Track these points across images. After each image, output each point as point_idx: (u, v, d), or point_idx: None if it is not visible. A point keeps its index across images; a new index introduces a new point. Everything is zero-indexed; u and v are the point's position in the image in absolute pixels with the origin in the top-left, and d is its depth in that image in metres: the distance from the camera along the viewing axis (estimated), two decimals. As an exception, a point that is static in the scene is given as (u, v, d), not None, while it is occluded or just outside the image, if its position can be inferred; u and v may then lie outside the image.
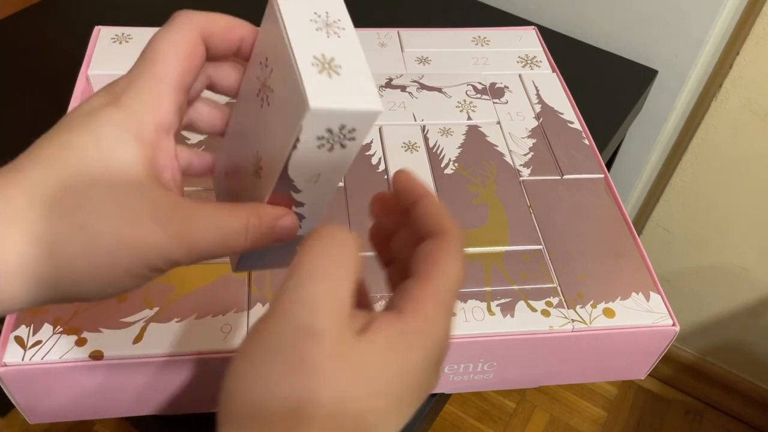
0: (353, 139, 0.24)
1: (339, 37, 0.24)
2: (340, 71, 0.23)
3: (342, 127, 0.23)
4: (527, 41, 0.66)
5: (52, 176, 0.22)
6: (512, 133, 0.55)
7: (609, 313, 0.43)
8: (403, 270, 0.26)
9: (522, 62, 0.63)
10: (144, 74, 0.24)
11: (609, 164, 0.84)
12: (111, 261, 0.22)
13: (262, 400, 0.20)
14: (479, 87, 0.60)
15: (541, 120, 0.57)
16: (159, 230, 0.23)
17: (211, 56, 0.27)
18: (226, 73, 0.28)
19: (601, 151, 0.57)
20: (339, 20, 0.25)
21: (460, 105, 0.58)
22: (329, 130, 0.23)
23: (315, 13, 0.24)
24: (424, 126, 0.55)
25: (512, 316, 0.42)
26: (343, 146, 0.24)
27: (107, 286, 0.23)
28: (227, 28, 0.26)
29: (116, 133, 0.23)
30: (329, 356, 0.20)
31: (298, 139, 0.23)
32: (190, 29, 0.25)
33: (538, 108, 0.58)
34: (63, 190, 0.22)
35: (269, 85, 0.25)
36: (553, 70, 0.63)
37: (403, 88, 0.59)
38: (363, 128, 0.23)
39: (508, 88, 0.60)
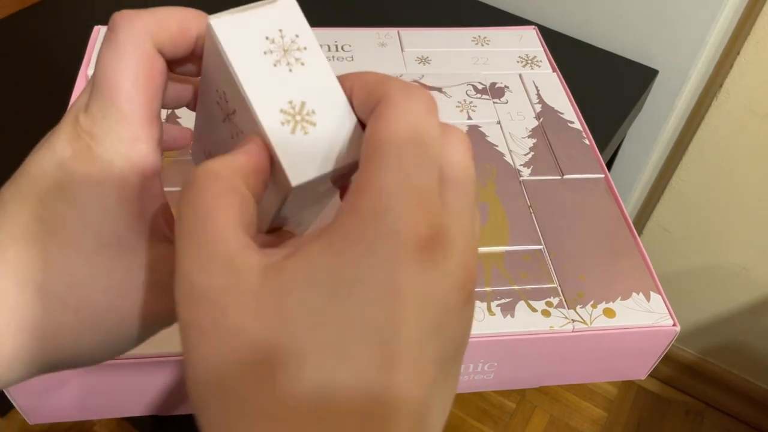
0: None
1: (303, 64, 0.20)
2: (314, 118, 0.20)
3: (328, 179, 0.21)
4: (527, 41, 0.66)
5: (36, 254, 0.20)
6: (512, 133, 0.55)
7: (609, 313, 0.43)
8: None
9: (522, 62, 0.63)
10: (108, 115, 0.20)
11: (609, 164, 0.84)
12: (112, 337, 0.21)
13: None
14: (479, 87, 0.60)
15: (541, 120, 0.57)
16: (160, 300, 0.22)
17: (167, 62, 0.22)
18: (185, 68, 0.24)
19: (601, 151, 0.57)
20: (297, 37, 0.20)
21: (460, 105, 0.58)
22: (315, 186, 0.21)
23: (267, 38, 0.20)
24: (424, 126, 0.55)
25: (512, 316, 0.42)
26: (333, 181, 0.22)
27: (108, 355, 0.22)
28: (179, 30, 0.21)
29: (99, 199, 0.20)
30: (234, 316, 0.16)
31: (284, 200, 0.21)
32: (140, 44, 0.20)
33: (538, 108, 0.58)
34: (50, 271, 0.20)
35: (236, 123, 0.21)
36: (554, 70, 0.63)
37: (403, 88, 0.59)
38: (351, 169, 0.22)
39: (508, 87, 0.60)
